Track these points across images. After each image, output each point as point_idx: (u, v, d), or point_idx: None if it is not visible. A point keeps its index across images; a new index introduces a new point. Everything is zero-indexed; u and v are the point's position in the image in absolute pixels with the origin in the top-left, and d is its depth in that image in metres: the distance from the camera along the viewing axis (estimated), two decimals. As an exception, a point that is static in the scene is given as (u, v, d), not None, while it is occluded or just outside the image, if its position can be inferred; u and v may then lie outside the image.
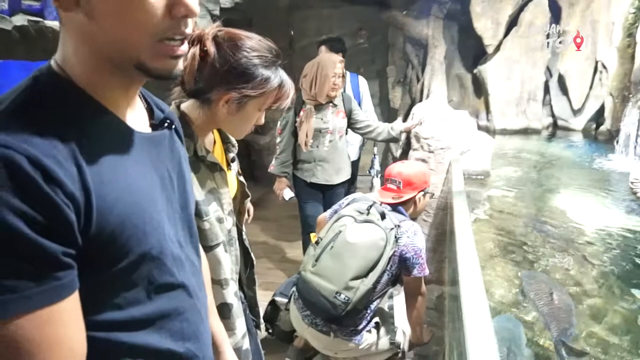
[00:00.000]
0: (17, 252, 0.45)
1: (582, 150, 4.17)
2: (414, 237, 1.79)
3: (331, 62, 2.60)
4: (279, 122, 2.85)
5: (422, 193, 2.02)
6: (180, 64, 0.60)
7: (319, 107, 2.70)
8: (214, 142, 1.21)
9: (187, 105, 1.10)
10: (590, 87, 4.51)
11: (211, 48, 1.00)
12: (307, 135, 2.67)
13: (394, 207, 1.93)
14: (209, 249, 1.09)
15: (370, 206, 1.84)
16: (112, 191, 0.55)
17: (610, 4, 4.04)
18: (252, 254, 1.41)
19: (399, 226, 1.80)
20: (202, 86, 1.03)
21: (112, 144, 0.58)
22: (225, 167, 1.20)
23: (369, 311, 1.82)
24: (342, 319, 1.73)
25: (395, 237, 1.77)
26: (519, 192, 3.04)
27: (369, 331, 1.88)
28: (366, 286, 1.70)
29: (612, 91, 4.12)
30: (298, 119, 2.72)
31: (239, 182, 1.33)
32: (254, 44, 1.03)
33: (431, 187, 2.73)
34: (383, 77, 5.25)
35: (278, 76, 1.07)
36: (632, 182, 2.43)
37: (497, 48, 4.56)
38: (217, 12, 5.06)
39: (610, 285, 1.84)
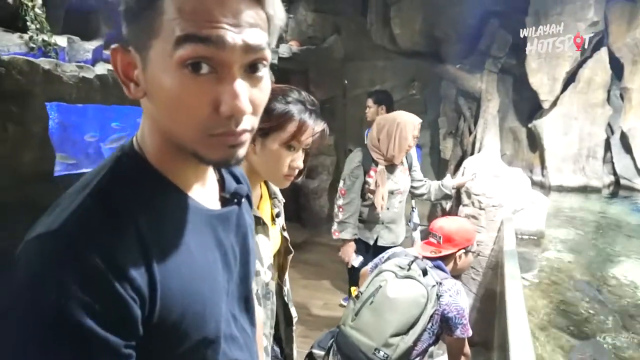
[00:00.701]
0: (82, 344, 0.46)
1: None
2: (457, 297, 1.74)
3: (411, 124, 2.52)
4: (342, 182, 2.68)
5: (464, 251, 1.96)
6: (243, 151, 0.56)
7: (390, 168, 2.60)
8: (261, 196, 1.25)
9: None
10: (657, 147, 4.28)
11: None
12: (383, 199, 2.56)
13: (436, 263, 1.89)
14: None
15: (412, 262, 1.81)
16: (177, 281, 0.55)
17: (678, 63, 3.89)
18: (292, 311, 1.40)
19: (440, 284, 1.76)
20: None
21: (180, 225, 0.58)
22: (269, 222, 1.22)
23: None
24: None
25: (437, 294, 1.73)
26: (577, 256, 2.86)
27: None
28: (406, 344, 1.65)
29: (681, 153, 3.89)
30: (370, 180, 2.59)
31: (283, 237, 1.34)
32: (280, 88, 1.07)
33: (481, 246, 2.65)
34: (435, 128, 5.26)
35: (298, 111, 1.06)
36: None
37: (554, 103, 4.47)
38: (275, 62, 5.36)
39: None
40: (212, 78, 0.50)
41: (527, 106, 4.84)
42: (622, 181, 4.56)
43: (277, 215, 1.30)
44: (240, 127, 0.52)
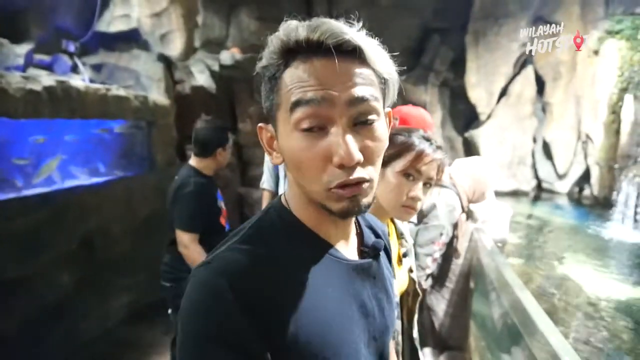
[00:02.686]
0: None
1: (572, 214, 4.39)
2: None
3: (493, 170, 2.43)
4: (444, 234, 2.32)
5: None
6: (366, 199, 0.58)
7: None
8: (388, 235, 1.20)
9: None
10: (574, 154, 4.83)
11: None
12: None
13: None
14: None
15: None
16: (310, 334, 0.56)
17: (595, 81, 4.42)
18: (420, 355, 1.33)
19: None
20: None
21: (318, 275, 0.60)
22: (396, 262, 1.18)
23: None
24: None
25: None
26: (527, 260, 3.12)
27: None
28: None
29: (599, 161, 4.43)
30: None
31: (410, 279, 1.28)
32: (406, 127, 1.10)
33: (455, 254, 2.78)
34: (378, 137, 5.42)
35: (418, 140, 1.07)
36: None
37: (489, 115, 4.85)
38: (216, 69, 5.16)
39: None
40: (322, 135, 0.54)
41: (462, 117, 5.20)
42: (544, 185, 5.10)
43: (405, 255, 1.25)
44: (354, 176, 0.55)
